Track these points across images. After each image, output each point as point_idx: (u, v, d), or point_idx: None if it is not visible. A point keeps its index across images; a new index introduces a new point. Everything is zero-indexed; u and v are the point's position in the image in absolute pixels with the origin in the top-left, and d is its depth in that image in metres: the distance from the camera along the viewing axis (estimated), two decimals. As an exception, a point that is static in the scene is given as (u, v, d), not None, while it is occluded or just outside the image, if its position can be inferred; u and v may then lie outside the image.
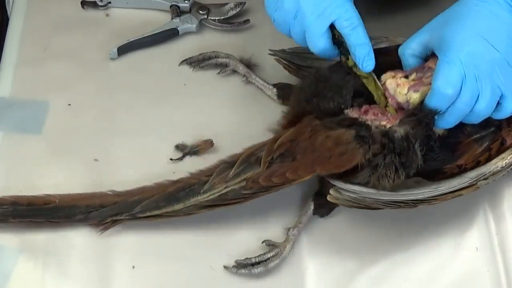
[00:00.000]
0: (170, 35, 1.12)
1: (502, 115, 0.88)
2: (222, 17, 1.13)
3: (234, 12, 1.13)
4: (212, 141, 1.01)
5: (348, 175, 0.90)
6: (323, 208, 0.95)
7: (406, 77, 0.90)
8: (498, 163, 0.90)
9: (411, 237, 0.95)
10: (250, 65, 1.07)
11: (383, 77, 0.90)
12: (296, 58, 1.04)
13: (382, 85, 0.90)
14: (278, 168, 0.90)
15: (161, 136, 1.02)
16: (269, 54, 1.06)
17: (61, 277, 0.91)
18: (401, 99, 0.89)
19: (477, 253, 0.95)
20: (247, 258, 0.92)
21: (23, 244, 0.92)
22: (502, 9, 0.87)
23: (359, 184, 0.89)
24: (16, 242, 0.92)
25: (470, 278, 0.93)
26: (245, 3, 1.14)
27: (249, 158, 0.91)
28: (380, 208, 0.90)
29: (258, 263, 0.92)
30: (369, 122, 0.89)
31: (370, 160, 0.88)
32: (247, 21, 1.13)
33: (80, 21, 1.14)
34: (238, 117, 1.05)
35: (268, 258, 0.92)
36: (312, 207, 0.95)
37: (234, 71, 1.08)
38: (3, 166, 0.99)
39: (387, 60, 0.92)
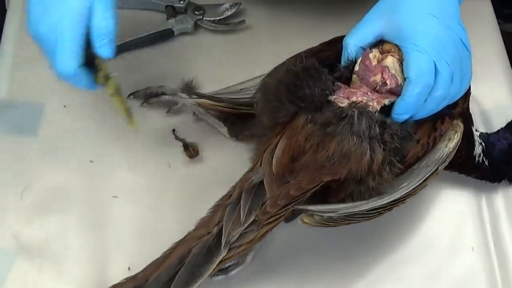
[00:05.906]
0: (165, 35, 1.12)
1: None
2: (218, 18, 1.13)
3: (230, 12, 1.13)
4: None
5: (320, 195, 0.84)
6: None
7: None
8: (449, 144, 0.87)
9: (406, 237, 0.96)
10: (190, 88, 1.00)
11: (371, 55, 0.82)
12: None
13: (379, 64, 0.82)
14: (281, 190, 0.81)
15: (156, 137, 1.02)
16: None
17: (57, 278, 0.91)
18: (400, 79, 0.82)
19: (473, 253, 0.95)
20: None
21: (20, 244, 0.93)
22: None
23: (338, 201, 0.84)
24: (13, 243, 0.93)
25: (466, 278, 0.93)
26: (240, 3, 1.14)
27: (250, 190, 0.83)
28: (354, 223, 0.85)
29: (219, 271, 0.87)
30: (363, 106, 0.81)
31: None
32: (243, 21, 1.13)
33: (75, 22, 1.14)
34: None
35: (229, 266, 0.88)
36: None
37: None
38: (-2, 168, 0.99)
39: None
